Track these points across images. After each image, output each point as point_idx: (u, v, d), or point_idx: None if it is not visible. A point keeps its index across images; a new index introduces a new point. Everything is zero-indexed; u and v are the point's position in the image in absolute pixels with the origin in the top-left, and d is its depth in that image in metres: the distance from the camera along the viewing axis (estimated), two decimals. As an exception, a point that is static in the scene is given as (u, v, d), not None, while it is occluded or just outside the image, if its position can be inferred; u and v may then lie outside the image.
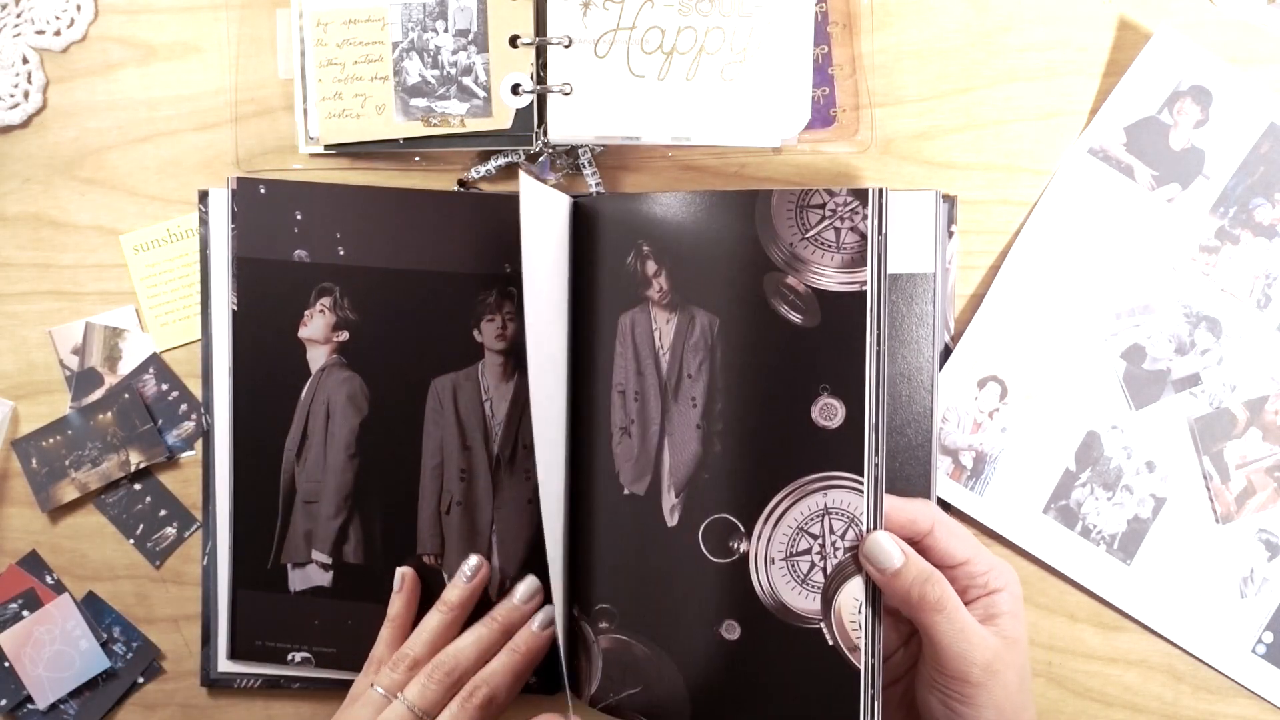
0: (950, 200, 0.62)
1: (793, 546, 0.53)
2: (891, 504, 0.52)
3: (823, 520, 0.52)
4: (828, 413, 0.52)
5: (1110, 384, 0.61)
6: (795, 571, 0.53)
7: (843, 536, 0.52)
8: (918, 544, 0.52)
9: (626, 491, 0.56)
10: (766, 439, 0.53)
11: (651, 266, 0.56)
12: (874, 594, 0.51)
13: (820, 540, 0.52)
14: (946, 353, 0.62)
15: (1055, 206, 0.62)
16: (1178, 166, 0.61)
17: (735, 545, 0.54)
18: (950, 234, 0.62)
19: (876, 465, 0.51)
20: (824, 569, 0.52)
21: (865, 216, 0.52)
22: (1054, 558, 0.62)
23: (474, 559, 0.61)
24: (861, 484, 0.51)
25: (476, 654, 0.58)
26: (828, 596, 0.52)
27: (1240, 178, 0.61)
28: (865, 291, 0.52)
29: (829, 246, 0.52)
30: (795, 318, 0.53)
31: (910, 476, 0.59)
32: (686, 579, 0.55)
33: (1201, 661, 0.62)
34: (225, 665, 0.64)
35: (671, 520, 0.55)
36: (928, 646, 0.51)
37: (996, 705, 0.49)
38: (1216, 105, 0.60)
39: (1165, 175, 0.61)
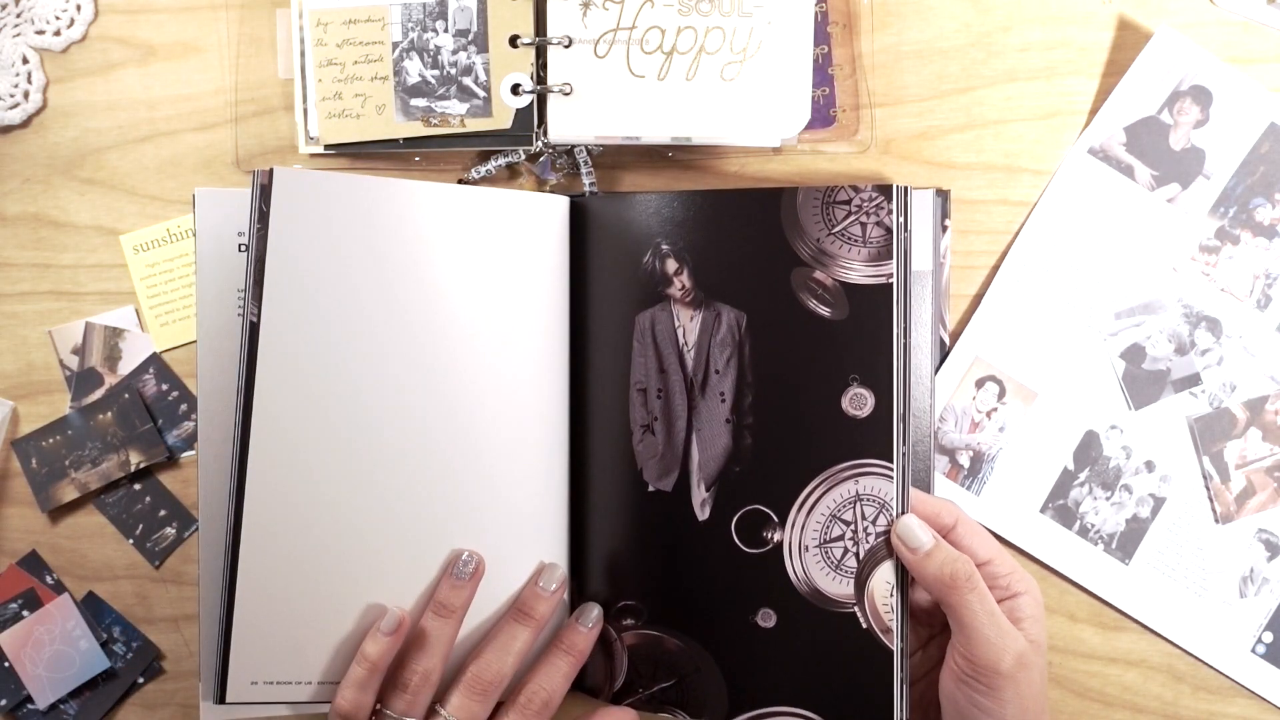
0: (943, 195, 0.62)
1: (826, 533, 0.54)
2: (915, 499, 0.53)
3: (855, 506, 0.53)
4: (858, 402, 0.53)
5: (1110, 384, 0.61)
6: (829, 558, 0.54)
7: (874, 522, 0.53)
8: None
9: (652, 489, 0.57)
10: (798, 430, 0.54)
11: (672, 265, 0.56)
12: (904, 577, 0.53)
13: (853, 526, 0.53)
14: (944, 350, 0.62)
15: (1055, 206, 0.62)
16: (1178, 166, 0.61)
17: (769, 535, 0.55)
18: (944, 228, 0.62)
19: (904, 453, 0.52)
20: (857, 554, 0.53)
21: (890, 211, 0.53)
22: (1052, 557, 0.62)
23: (466, 553, 0.55)
24: (892, 470, 0.52)
25: (517, 661, 0.55)
26: (861, 580, 0.53)
27: (1240, 178, 0.61)
28: (892, 284, 0.52)
29: (855, 241, 0.53)
30: (824, 311, 0.54)
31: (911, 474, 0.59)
32: (720, 571, 0.55)
33: (1201, 661, 0.62)
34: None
35: (703, 514, 0.56)
36: (958, 633, 0.51)
37: (1021, 702, 0.49)
38: (1216, 105, 0.60)
39: (1165, 175, 0.61)
